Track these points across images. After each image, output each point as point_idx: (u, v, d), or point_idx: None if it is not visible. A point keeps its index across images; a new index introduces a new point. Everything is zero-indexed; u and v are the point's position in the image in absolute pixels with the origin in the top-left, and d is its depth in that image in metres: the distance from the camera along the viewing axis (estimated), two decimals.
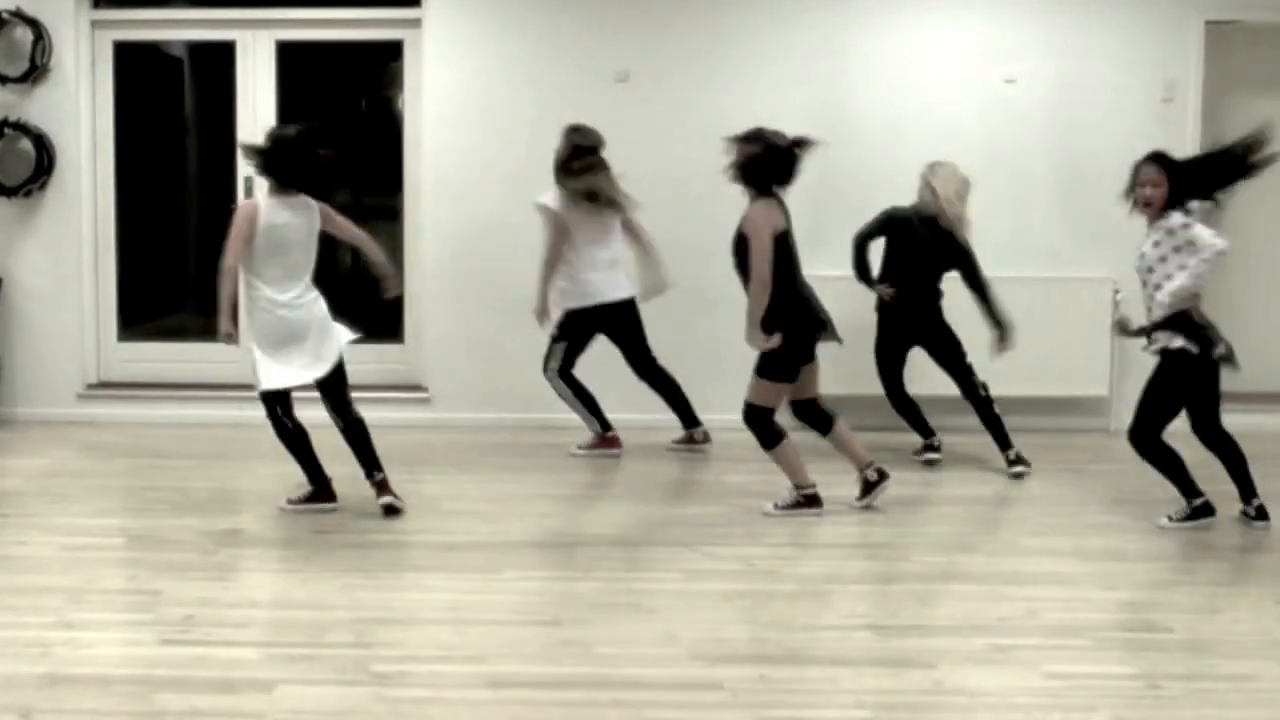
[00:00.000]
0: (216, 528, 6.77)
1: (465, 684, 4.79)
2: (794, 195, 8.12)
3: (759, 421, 6.96)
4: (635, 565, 6.29)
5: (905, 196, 8.27)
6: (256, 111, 9.49)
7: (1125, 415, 7.88)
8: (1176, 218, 6.65)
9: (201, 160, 10.23)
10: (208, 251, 9.87)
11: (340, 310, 9.47)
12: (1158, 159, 6.76)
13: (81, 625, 5.35)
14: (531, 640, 5.22)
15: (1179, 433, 6.92)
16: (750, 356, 6.92)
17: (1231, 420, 9.15)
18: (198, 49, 9.94)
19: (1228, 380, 9.57)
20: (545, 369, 8.32)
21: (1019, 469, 7.89)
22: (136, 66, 9.81)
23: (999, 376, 8.98)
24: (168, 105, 10.17)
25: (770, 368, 6.90)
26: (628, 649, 5.13)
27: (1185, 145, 9.09)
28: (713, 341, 8.74)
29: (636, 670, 4.91)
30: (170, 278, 10.24)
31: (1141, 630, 5.43)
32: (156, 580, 5.96)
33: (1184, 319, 6.64)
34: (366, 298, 10.10)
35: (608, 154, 8.21)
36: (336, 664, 4.95)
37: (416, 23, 9.35)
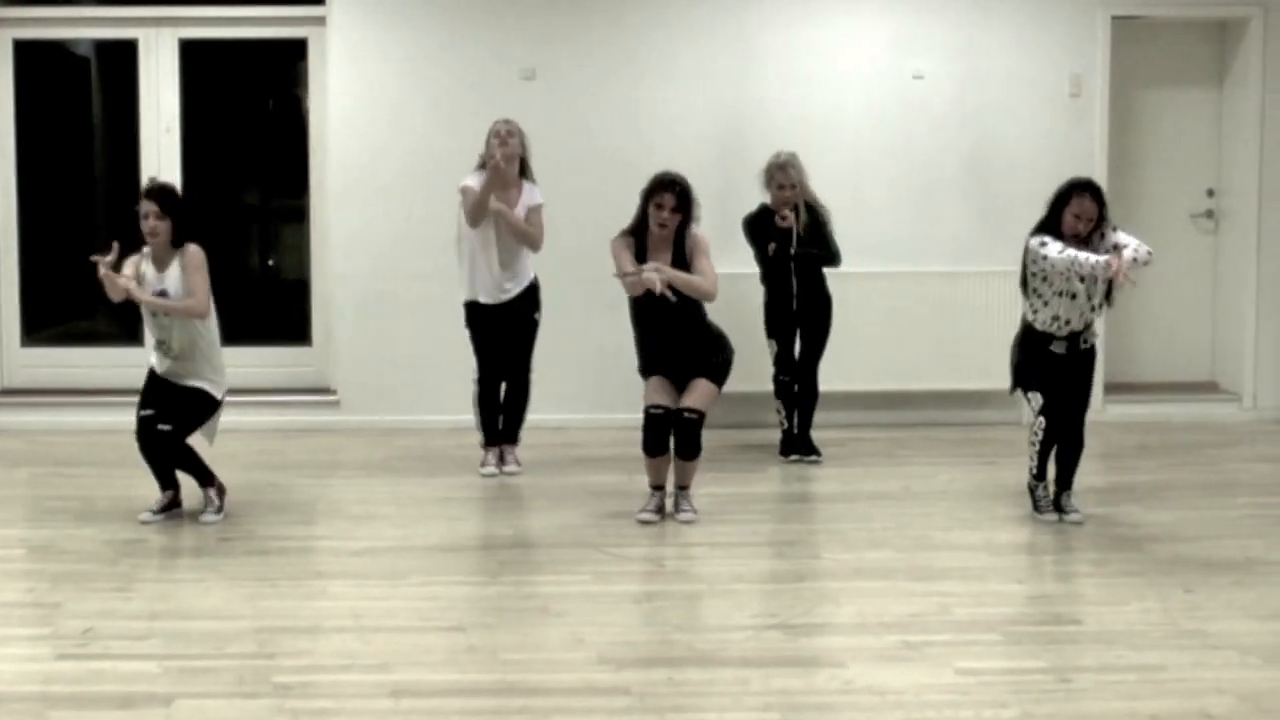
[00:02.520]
0: (120, 537, 6.64)
1: (368, 694, 4.70)
2: (701, 192, 8.10)
3: (699, 428, 6.88)
4: (543, 568, 6.22)
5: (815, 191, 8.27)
6: (160, 112, 9.34)
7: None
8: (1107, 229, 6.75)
9: (108, 161, 10.04)
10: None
11: (248, 312, 9.42)
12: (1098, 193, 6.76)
13: None
14: (436, 647, 5.14)
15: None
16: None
17: (1138, 411, 9.35)
18: (105, 48, 9.77)
19: (1136, 371, 9.77)
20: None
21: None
22: (42, 66, 9.62)
23: (911, 370, 9.04)
24: (75, 105, 9.98)
25: (724, 374, 6.96)
26: (534, 654, 5.07)
27: (1094, 140, 9.20)
28: (615, 339, 8.66)
29: (542, 676, 4.85)
30: (76, 282, 10.03)
31: (1051, 623, 5.43)
32: (56, 592, 5.83)
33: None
34: (274, 299, 10.03)
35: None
36: (237, 675, 4.85)
37: (320, 21, 9.23)
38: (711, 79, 9.12)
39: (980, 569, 6.11)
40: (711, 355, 6.94)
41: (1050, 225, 6.73)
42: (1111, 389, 9.43)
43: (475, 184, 7.68)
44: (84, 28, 9.66)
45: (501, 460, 7.93)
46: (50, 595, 5.79)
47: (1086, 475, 7.01)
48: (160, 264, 6.85)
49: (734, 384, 8.59)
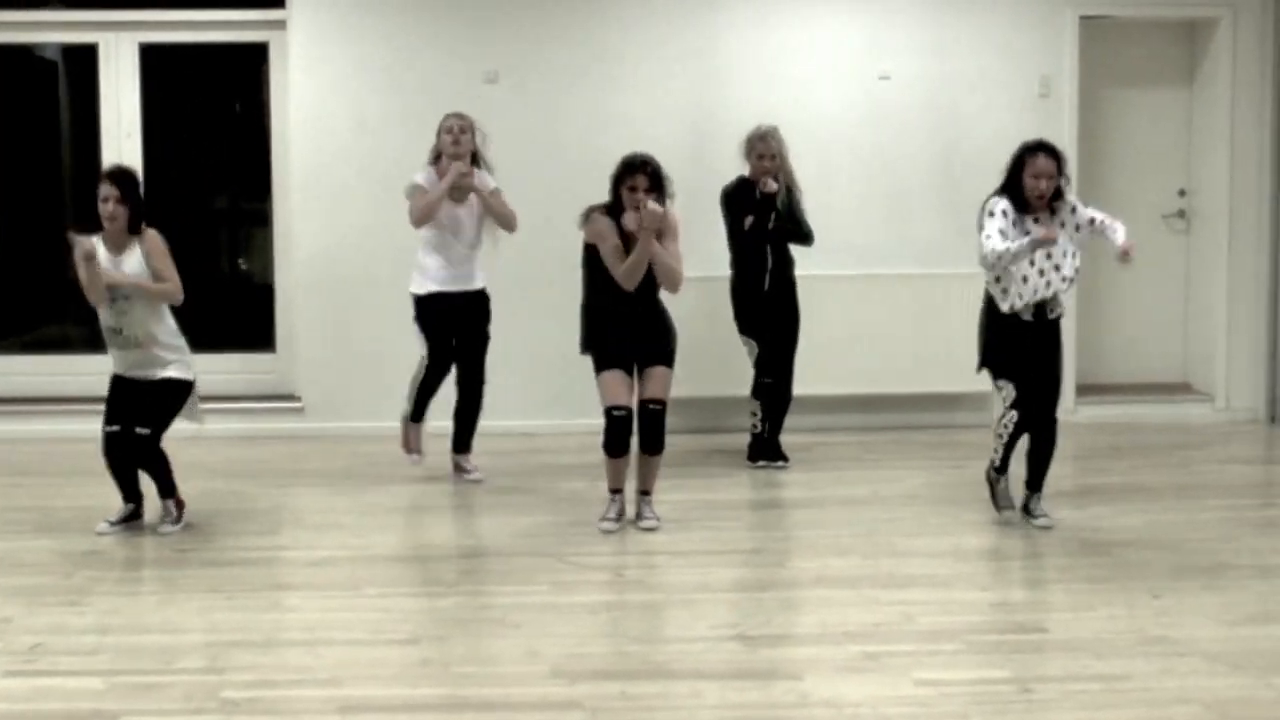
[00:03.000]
0: (76, 548, 6.54)
1: (317, 709, 4.62)
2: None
3: (664, 419, 6.78)
4: (502, 578, 6.13)
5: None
6: (121, 115, 9.24)
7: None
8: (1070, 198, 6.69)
9: (74, 166, 9.93)
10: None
11: (211, 318, 9.30)
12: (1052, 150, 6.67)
13: None
14: (389, 661, 5.05)
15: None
16: None
17: (1110, 412, 9.30)
18: (71, 52, 9.64)
19: (1107, 372, 9.71)
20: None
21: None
22: (9, 70, 9.52)
23: (881, 373, 8.97)
24: (41, 110, 9.88)
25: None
26: (487, 668, 4.99)
27: (1063, 139, 9.07)
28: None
29: (494, 690, 4.77)
30: (40, 288, 9.93)
31: (1014, 631, 5.35)
32: (6, 606, 5.73)
33: None
34: (236, 305, 9.92)
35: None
36: (185, 691, 4.76)
37: (281, 24, 9.14)
38: (677, 81, 9.05)
39: (946, 576, 6.04)
40: (667, 341, 6.81)
41: (1011, 190, 6.63)
42: (1083, 390, 9.38)
43: (425, 182, 7.59)
44: (43, 32, 9.56)
45: (459, 470, 7.85)
46: (1, 609, 5.69)
47: (1056, 478, 6.93)
48: (117, 248, 6.71)
49: (701, 388, 8.61)
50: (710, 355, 8.39)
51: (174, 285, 6.71)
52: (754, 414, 8.19)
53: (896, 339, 8.94)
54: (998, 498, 6.85)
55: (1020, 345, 6.65)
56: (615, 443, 6.71)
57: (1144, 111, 9.70)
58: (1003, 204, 6.62)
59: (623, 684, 4.77)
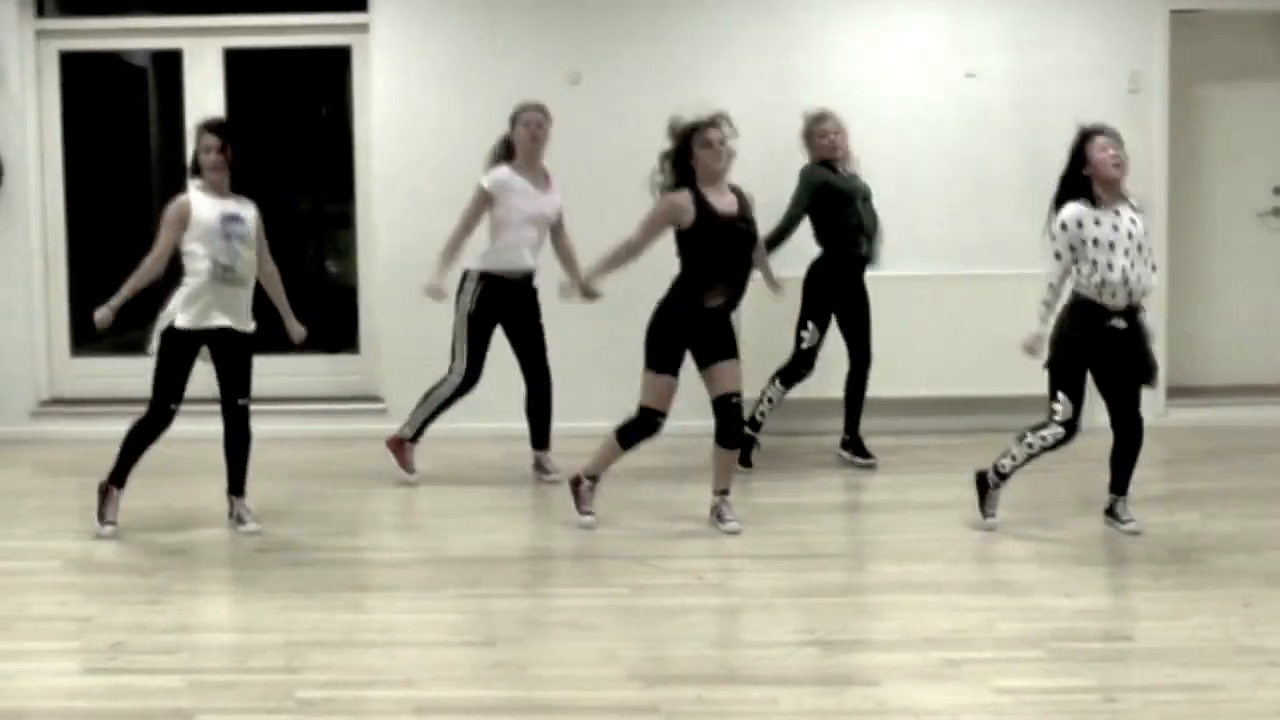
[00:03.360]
0: (157, 549, 6.61)
1: (390, 710, 4.62)
2: (751, 192, 7.94)
3: (742, 413, 6.79)
4: (580, 580, 6.12)
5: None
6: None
7: (1095, 414, 7.73)
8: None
9: (163, 171, 10.03)
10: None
11: (297, 319, 9.34)
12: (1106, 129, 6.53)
13: (4, 655, 5.17)
14: (464, 662, 5.04)
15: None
16: None
17: (1202, 415, 9.12)
18: (160, 58, 9.72)
19: (1201, 374, 9.52)
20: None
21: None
22: (98, 76, 9.64)
23: (967, 375, 8.85)
24: (130, 115, 9.99)
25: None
26: (563, 670, 4.95)
27: (1153, 137, 8.99)
28: None
29: (569, 693, 4.73)
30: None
31: (1099, 640, 5.23)
32: (88, 605, 5.81)
33: None
34: (321, 307, 9.96)
35: (563, 155, 8.06)
36: (260, 690, 4.78)
37: (364, 28, 9.18)
38: (759, 80, 8.99)
39: (1029, 582, 5.93)
40: (731, 332, 6.75)
41: (1075, 185, 6.48)
42: (1175, 392, 9.20)
43: (493, 187, 7.65)
44: (128, 39, 9.65)
45: (539, 468, 7.85)
46: (83, 608, 5.77)
47: (1145, 483, 6.79)
48: (221, 195, 6.81)
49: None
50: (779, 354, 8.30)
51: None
52: (770, 400, 8.03)
53: (983, 339, 8.79)
54: (987, 503, 6.70)
55: (1107, 352, 6.46)
56: (634, 441, 6.75)
57: (1237, 107, 9.51)
58: (1068, 213, 6.46)
59: (699, 688, 4.72)
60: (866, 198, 8.03)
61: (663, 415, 6.66)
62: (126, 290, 6.82)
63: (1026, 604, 5.62)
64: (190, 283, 6.71)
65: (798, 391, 8.34)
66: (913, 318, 8.78)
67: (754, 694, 4.69)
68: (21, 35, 9.23)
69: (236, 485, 6.91)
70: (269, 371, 9.22)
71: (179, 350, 6.74)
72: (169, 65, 9.54)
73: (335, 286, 10.00)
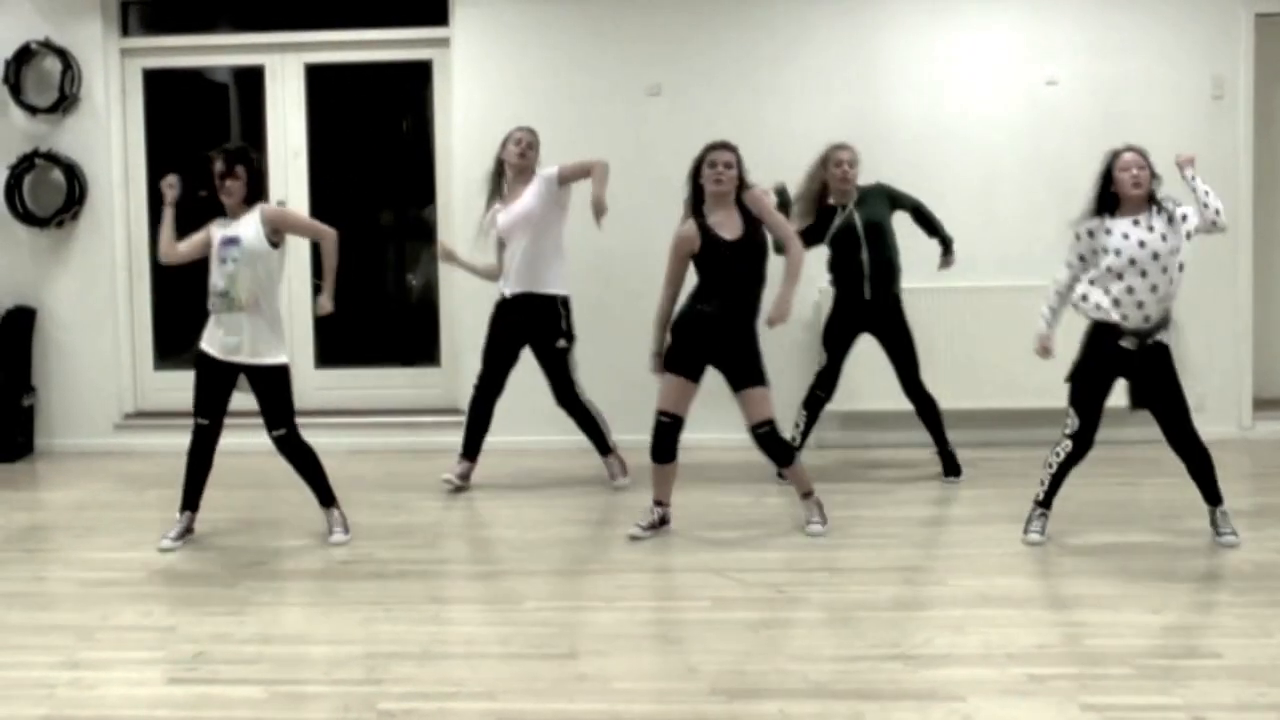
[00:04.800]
0: (240, 560, 6.66)
1: None
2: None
3: (779, 435, 6.83)
4: (662, 593, 6.10)
5: (941, 202, 8.09)
6: (287, 136, 9.41)
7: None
8: (1170, 202, 6.46)
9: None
10: None
11: (377, 333, 9.41)
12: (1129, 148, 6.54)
13: (89, 664, 5.23)
14: (545, 674, 5.03)
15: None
16: None
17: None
18: (241, 74, 9.83)
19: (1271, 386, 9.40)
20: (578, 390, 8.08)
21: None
22: (180, 93, 9.75)
23: (1049, 387, 8.73)
24: (212, 131, 10.07)
25: (764, 371, 6.84)
26: (645, 683, 4.94)
27: (1237, 143, 8.86)
28: None
29: (652, 706, 4.72)
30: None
31: (1186, 656, 5.14)
32: (172, 615, 5.85)
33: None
34: (401, 320, 10.03)
35: (643, 167, 8.10)
36: (342, 702, 4.80)
37: (445, 42, 9.24)
38: (837, 90, 8.96)
39: (1114, 597, 5.84)
40: (753, 361, 6.81)
41: (1104, 202, 6.47)
42: (1262, 404, 9.06)
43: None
44: (211, 55, 9.75)
45: (609, 475, 7.99)
46: (166, 618, 5.81)
47: (1230, 497, 6.67)
48: (235, 218, 6.87)
49: (858, 403, 8.49)
50: (867, 367, 8.25)
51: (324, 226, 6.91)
52: (797, 425, 8.07)
53: (1062, 351, 8.69)
54: (1031, 521, 6.70)
55: (1116, 373, 6.51)
56: (658, 448, 6.83)
57: None
58: (1085, 223, 6.49)
59: (781, 703, 4.69)
60: (872, 228, 7.89)
61: (667, 415, 6.80)
62: (169, 219, 7.13)
63: (1112, 619, 5.53)
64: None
65: (872, 404, 8.29)
66: (992, 328, 8.71)
67: (838, 708, 4.65)
68: (106, 54, 9.37)
69: (320, 499, 6.96)
70: (351, 384, 9.36)
71: (201, 370, 6.91)
72: (251, 82, 9.64)
73: (416, 299, 10.05)
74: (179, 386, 9.46)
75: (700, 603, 5.85)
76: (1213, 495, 6.56)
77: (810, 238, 7.70)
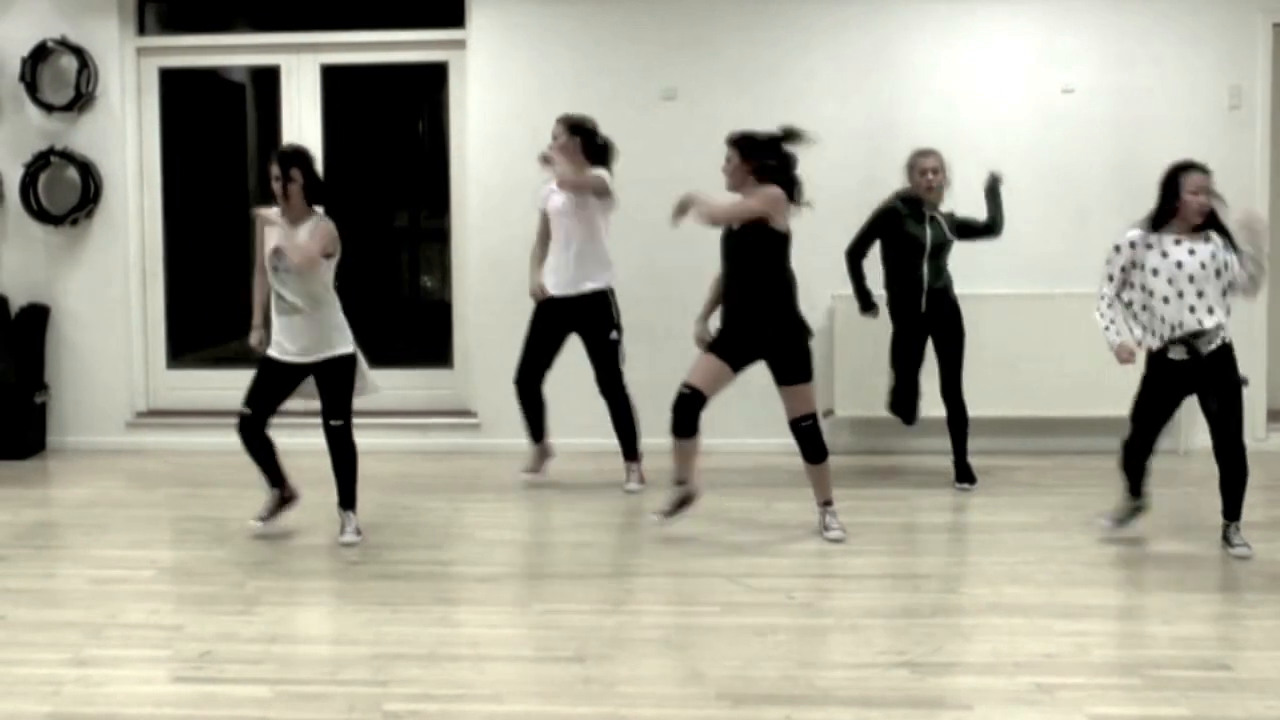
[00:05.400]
0: (249, 559, 6.66)
1: None
2: (843, 211, 7.98)
3: (819, 430, 6.83)
4: (670, 598, 6.08)
5: (959, 208, 8.08)
6: (302, 136, 9.39)
7: (1195, 436, 7.60)
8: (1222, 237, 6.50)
9: (261, 187, 10.12)
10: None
11: (390, 334, 9.41)
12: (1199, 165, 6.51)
13: (95, 662, 5.23)
14: (552, 678, 5.02)
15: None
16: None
17: None
18: (257, 75, 9.85)
19: None
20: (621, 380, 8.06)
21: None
22: (197, 92, 9.77)
23: (1065, 396, 8.72)
24: (228, 131, 10.11)
25: (809, 368, 6.81)
26: (651, 688, 4.92)
27: (1254, 154, 8.82)
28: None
29: (656, 711, 4.70)
30: (223, 304, 10.16)
31: (1195, 668, 5.11)
32: (179, 614, 5.85)
33: None
34: (415, 321, 10.03)
35: (658, 171, 8.12)
36: (348, 702, 4.79)
37: (460, 44, 9.24)
38: (854, 97, 8.95)
39: (1125, 607, 5.83)
40: (789, 353, 6.79)
41: (1166, 214, 6.46)
42: (1276, 416, 9.02)
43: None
44: (227, 55, 9.78)
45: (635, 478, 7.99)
46: (173, 617, 5.81)
47: (1246, 509, 6.61)
48: (294, 222, 6.85)
49: (870, 409, 8.48)
50: (881, 373, 8.23)
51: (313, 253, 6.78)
52: None
53: (1079, 359, 8.66)
54: (1113, 510, 6.85)
55: (1177, 386, 6.50)
56: (677, 421, 6.82)
57: None
58: (1131, 235, 6.51)
59: (787, 709, 4.67)
60: (941, 246, 7.91)
61: (688, 387, 6.81)
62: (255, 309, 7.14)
63: (1122, 629, 5.52)
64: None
65: (884, 410, 8.26)
66: (1007, 337, 8.69)
67: (843, 715, 4.63)
68: (123, 53, 9.38)
69: (343, 498, 6.96)
70: None
71: (265, 369, 6.93)
72: (267, 82, 9.65)
73: (430, 301, 10.05)
74: (191, 385, 9.56)
75: (709, 608, 5.83)
76: (1234, 510, 6.53)
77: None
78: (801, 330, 6.82)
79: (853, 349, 8.54)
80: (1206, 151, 8.58)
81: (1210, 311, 6.36)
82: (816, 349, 8.67)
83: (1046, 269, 8.82)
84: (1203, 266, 6.34)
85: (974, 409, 8.08)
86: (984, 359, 8.46)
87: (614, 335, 7.90)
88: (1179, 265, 6.36)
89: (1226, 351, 6.45)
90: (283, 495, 7.11)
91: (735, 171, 6.85)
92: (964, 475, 7.96)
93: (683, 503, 6.95)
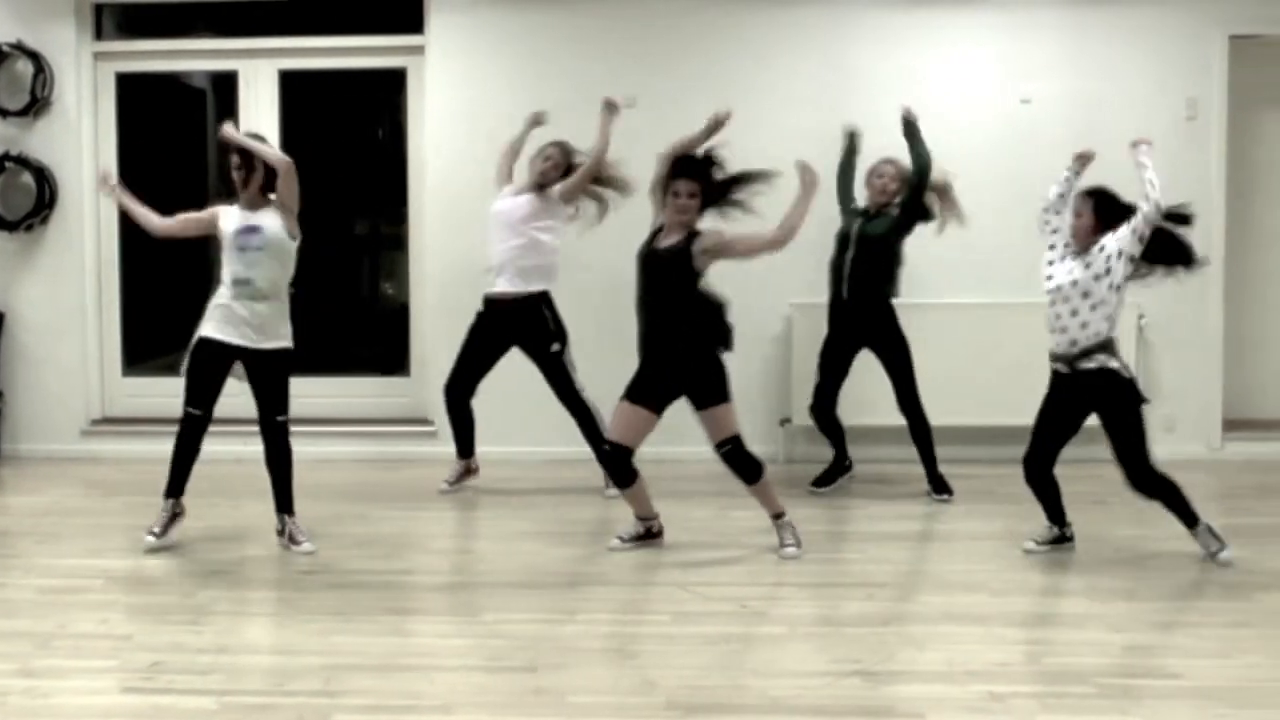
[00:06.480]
0: (202, 568, 6.60)
1: None
2: (806, 221, 7.90)
3: (744, 451, 6.73)
4: (624, 606, 6.06)
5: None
6: None
7: (1154, 444, 7.60)
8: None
9: (221, 193, 10.05)
10: (215, 284, 9.75)
11: (347, 342, 9.35)
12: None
13: (43, 673, 5.16)
14: (503, 688, 4.99)
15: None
16: None
17: (1258, 449, 8.95)
18: (220, 80, 9.77)
19: (1256, 406, 9.37)
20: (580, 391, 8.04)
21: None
22: (158, 98, 9.71)
23: (1024, 405, 8.71)
24: (189, 137, 10.05)
25: (725, 389, 6.69)
26: (602, 697, 4.90)
27: (1210, 164, 8.88)
28: None
29: None
30: (178, 312, 10.08)
31: (1146, 676, 5.12)
32: (129, 624, 5.80)
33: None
34: (371, 329, 9.99)
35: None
36: (296, 713, 4.75)
37: (419, 50, 9.21)
38: (812, 105, 8.96)
39: (1078, 615, 5.83)
40: (703, 372, 6.67)
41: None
42: (1231, 425, 9.06)
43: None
44: (184, 60, 9.73)
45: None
46: (123, 627, 5.75)
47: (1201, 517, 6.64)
48: (253, 209, 6.89)
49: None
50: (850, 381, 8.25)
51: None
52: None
53: (1036, 367, 8.65)
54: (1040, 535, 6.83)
55: (1051, 401, 6.66)
56: (610, 476, 6.88)
57: None
58: (1054, 239, 6.68)
59: (738, 718, 4.66)
60: (867, 239, 7.92)
61: (610, 444, 6.78)
62: (130, 201, 7.14)
63: (1074, 638, 5.52)
64: (216, 294, 6.85)
65: (848, 419, 8.27)
66: (965, 345, 8.71)
67: None
68: (79, 57, 9.32)
69: (282, 502, 6.91)
70: (320, 393, 9.28)
71: (201, 358, 6.85)
72: (228, 88, 9.59)
73: (388, 308, 10.01)
74: (147, 393, 9.49)
75: (661, 617, 5.82)
76: (1183, 520, 6.56)
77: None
78: (713, 346, 6.66)
79: (810, 357, 8.51)
80: (1163, 163, 8.62)
81: (1081, 328, 6.43)
82: (775, 357, 8.76)
83: (1004, 278, 8.84)
84: (1074, 284, 6.39)
85: (940, 418, 8.10)
86: (942, 367, 8.47)
87: (555, 347, 7.87)
88: (1049, 278, 6.52)
89: (1108, 375, 6.46)
90: (176, 510, 7.02)
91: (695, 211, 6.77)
92: (939, 487, 7.96)
93: (645, 536, 6.91)
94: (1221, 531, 6.58)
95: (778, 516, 6.81)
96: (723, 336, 6.68)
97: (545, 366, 7.91)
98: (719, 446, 6.71)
